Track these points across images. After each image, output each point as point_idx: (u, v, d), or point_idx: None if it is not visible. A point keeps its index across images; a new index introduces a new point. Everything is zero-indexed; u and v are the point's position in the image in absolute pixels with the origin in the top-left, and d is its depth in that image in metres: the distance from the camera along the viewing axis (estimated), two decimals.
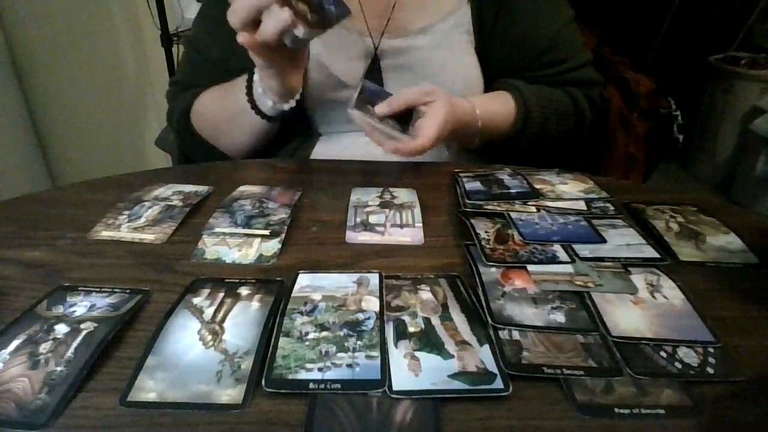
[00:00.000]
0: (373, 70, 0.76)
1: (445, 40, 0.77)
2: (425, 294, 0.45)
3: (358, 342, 0.39)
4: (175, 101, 0.82)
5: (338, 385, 0.35)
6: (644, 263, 0.49)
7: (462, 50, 0.78)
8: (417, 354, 0.38)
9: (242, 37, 0.57)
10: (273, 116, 0.70)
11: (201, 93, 0.78)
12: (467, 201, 0.59)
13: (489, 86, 0.80)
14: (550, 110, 0.77)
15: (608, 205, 0.60)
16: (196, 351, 0.38)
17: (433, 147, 0.63)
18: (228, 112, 0.74)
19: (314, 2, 0.56)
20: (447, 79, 0.75)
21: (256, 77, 0.68)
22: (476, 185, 0.63)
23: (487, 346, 0.39)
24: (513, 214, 0.56)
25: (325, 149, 0.79)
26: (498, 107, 0.76)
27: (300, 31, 0.55)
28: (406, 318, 0.42)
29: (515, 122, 0.75)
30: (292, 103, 0.69)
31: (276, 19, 0.54)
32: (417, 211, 0.59)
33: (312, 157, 0.79)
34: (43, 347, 0.38)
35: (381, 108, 0.63)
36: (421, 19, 0.77)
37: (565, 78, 0.80)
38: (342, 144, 0.79)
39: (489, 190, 0.61)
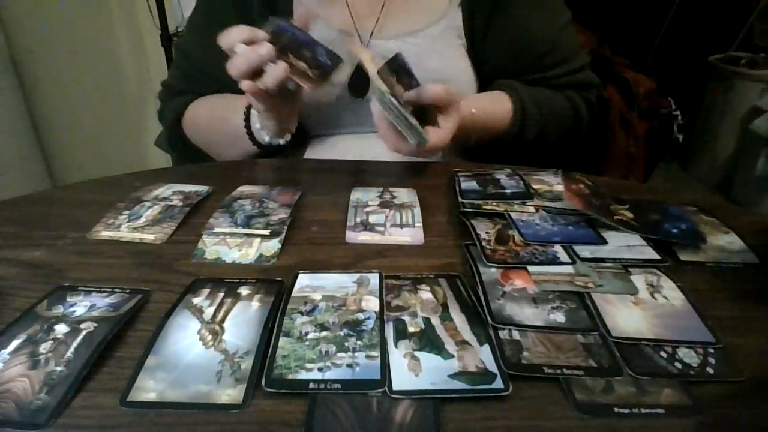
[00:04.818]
0: (361, 74, 0.75)
1: (437, 45, 0.76)
2: (425, 294, 0.45)
3: (358, 342, 0.39)
4: (167, 102, 0.84)
5: (338, 385, 0.35)
6: (645, 264, 0.49)
7: (454, 55, 0.77)
8: (417, 354, 0.38)
9: (245, 85, 0.58)
10: (268, 145, 0.73)
11: (192, 103, 0.80)
12: (462, 200, 0.59)
13: (483, 90, 0.79)
14: (547, 112, 0.77)
15: None
16: (196, 351, 0.38)
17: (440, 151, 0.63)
18: (222, 133, 0.76)
19: (309, 58, 0.60)
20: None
21: (253, 113, 0.70)
22: (472, 184, 0.63)
23: (487, 346, 0.39)
24: (514, 215, 0.56)
25: (316, 152, 0.79)
26: (495, 107, 0.75)
27: (303, 87, 0.58)
28: (406, 318, 0.42)
29: (512, 122, 0.75)
30: (288, 138, 0.71)
31: (275, 73, 0.56)
32: (417, 211, 0.59)
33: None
34: (43, 347, 0.38)
35: (409, 94, 0.62)
36: (412, 22, 0.76)
37: (562, 81, 0.79)
38: (333, 146, 0.79)
39: (484, 190, 0.61)
